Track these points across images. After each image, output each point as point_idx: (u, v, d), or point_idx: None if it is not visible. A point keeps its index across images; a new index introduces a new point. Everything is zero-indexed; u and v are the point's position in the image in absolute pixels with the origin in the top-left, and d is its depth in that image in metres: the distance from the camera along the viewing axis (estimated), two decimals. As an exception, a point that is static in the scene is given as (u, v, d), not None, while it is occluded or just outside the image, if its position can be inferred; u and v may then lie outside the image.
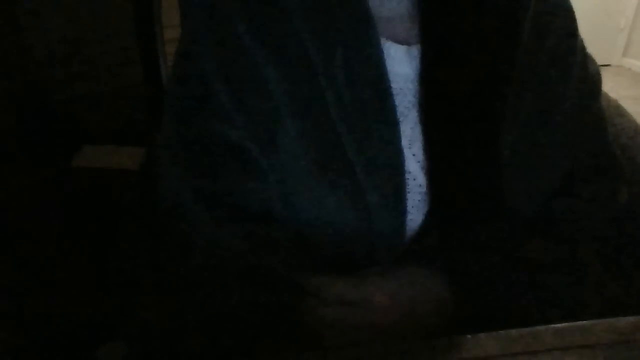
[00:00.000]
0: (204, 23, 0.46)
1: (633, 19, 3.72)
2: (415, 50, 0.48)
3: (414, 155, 0.48)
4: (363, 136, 0.45)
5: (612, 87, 3.42)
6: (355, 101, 0.45)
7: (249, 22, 0.45)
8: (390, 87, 0.46)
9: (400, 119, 0.47)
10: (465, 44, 0.45)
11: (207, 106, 0.46)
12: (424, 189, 0.48)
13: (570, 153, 0.52)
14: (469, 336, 0.36)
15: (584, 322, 0.38)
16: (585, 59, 0.53)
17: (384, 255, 0.47)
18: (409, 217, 0.47)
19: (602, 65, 0.57)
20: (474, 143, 0.46)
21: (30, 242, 1.30)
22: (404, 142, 0.47)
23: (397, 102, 0.47)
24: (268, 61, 0.45)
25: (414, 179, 0.48)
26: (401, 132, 0.46)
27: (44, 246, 1.29)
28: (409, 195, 0.47)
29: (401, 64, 0.47)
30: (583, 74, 0.52)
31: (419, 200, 0.48)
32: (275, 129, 0.45)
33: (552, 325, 0.37)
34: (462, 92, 0.46)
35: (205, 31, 0.46)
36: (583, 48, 0.54)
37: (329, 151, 0.45)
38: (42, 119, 1.44)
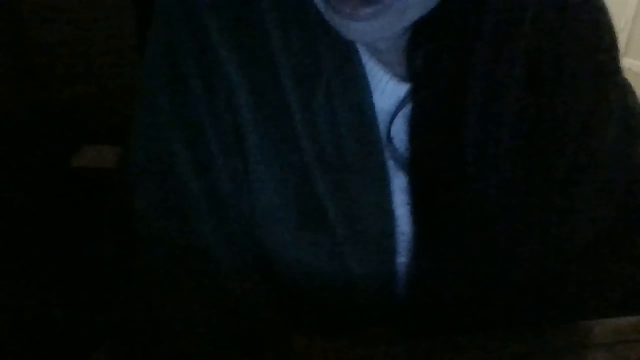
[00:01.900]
0: (183, 35, 0.39)
1: (633, 19, 3.71)
2: (404, 86, 0.40)
3: (410, 214, 0.40)
4: (345, 192, 0.39)
5: (612, 87, 3.39)
6: (337, 151, 0.38)
7: (233, 53, 0.38)
8: (379, 138, 0.38)
9: (395, 171, 0.40)
10: (454, 86, 0.37)
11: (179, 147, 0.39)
12: (416, 255, 0.40)
13: (604, 208, 0.43)
14: (468, 336, 0.36)
15: (584, 322, 0.38)
16: (626, 93, 0.44)
17: (371, 312, 0.43)
18: (399, 283, 0.41)
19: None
20: (471, 205, 0.38)
21: (31, 242, 1.30)
22: (399, 199, 0.40)
23: (391, 149, 0.39)
24: (244, 92, 0.38)
25: (408, 242, 0.41)
26: (397, 187, 0.39)
27: (44, 246, 1.29)
28: (399, 260, 0.40)
29: (391, 99, 0.40)
30: (624, 114, 0.43)
31: (408, 263, 0.41)
32: (248, 172, 0.39)
33: (552, 325, 0.37)
34: (452, 146, 0.38)
35: (185, 44, 0.39)
36: (623, 80, 0.44)
37: (307, 205, 0.39)
38: (42, 119, 1.44)
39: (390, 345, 0.36)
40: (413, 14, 0.34)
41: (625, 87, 0.44)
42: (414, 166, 0.39)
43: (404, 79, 0.39)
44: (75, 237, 1.30)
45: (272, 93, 0.38)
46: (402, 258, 0.41)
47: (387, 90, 0.39)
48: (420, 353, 0.35)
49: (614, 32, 0.42)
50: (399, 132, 0.39)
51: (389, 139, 0.39)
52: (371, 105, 0.38)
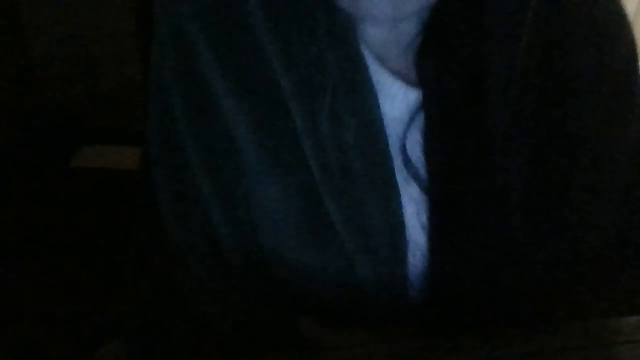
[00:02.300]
0: (172, 68, 0.39)
1: (633, 19, 3.72)
2: (416, 93, 0.39)
3: (422, 225, 0.39)
4: (353, 206, 0.38)
5: (612, 87, 3.37)
6: (343, 163, 0.37)
7: (222, 68, 0.37)
8: (387, 147, 0.37)
9: (406, 182, 0.39)
10: (467, 95, 0.37)
11: (183, 162, 0.40)
12: (430, 266, 0.40)
13: (623, 213, 0.42)
14: (469, 336, 0.36)
15: (585, 322, 0.38)
16: None
17: (380, 317, 0.42)
18: (411, 290, 0.41)
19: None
20: (488, 215, 0.37)
21: (31, 242, 1.30)
22: (411, 210, 0.39)
23: (404, 159, 0.38)
24: (239, 115, 0.37)
25: (421, 253, 0.40)
26: (408, 197, 0.39)
27: (44, 246, 1.29)
28: (411, 270, 0.40)
29: (402, 107, 0.39)
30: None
31: (421, 273, 0.40)
32: (248, 191, 0.38)
33: (552, 325, 0.37)
34: (471, 153, 0.37)
35: (173, 77, 0.39)
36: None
37: (313, 220, 0.38)
38: (42, 119, 1.44)
39: (391, 344, 0.36)
40: None
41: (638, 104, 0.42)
42: (430, 176, 0.38)
43: (413, 85, 0.39)
44: (76, 237, 1.30)
45: (271, 109, 0.37)
46: (415, 269, 0.40)
47: (398, 98, 0.39)
48: (420, 353, 0.35)
49: (630, 36, 0.41)
50: (411, 140, 0.39)
51: (403, 148, 0.39)
52: (379, 114, 0.37)
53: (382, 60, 0.39)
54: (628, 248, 0.44)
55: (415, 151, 0.39)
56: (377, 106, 0.37)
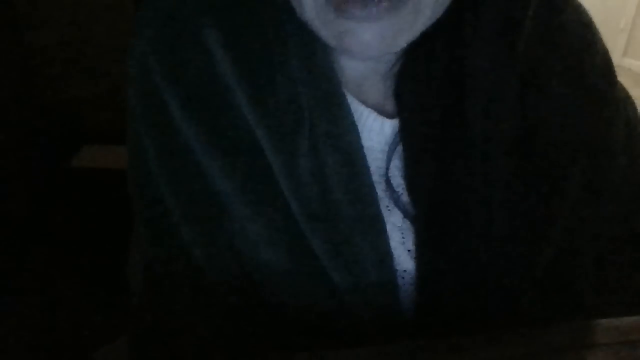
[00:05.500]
0: (145, 122, 0.38)
1: (633, 19, 3.71)
2: (392, 124, 0.39)
3: (409, 251, 0.39)
4: (339, 242, 0.37)
5: (612, 87, 3.37)
6: (326, 200, 0.37)
7: (193, 120, 0.37)
8: (371, 180, 0.37)
9: (389, 209, 0.39)
10: (444, 128, 0.37)
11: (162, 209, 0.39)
12: (419, 287, 0.40)
13: (613, 228, 0.42)
14: (469, 336, 0.36)
15: (584, 322, 0.38)
16: (625, 108, 0.42)
17: (373, 337, 0.41)
18: (400, 310, 0.41)
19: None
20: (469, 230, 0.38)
21: (31, 242, 1.30)
22: (396, 237, 0.39)
23: (387, 188, 0.38)
24: (215, 163, 0.37)
25: (410, 277, 0.40)
26: (392, 225, 0.38)
27: (44, 246, 1.30)
28: (401, 295, 0.40)
29: (380, 138, 0.39)
30: (627, 134, 0.41)
31: (410, 295, 0.40)
32: (230, 233, 0.38)
33: (552, 325, 0.37)
34: (452, 179, 0.37)
35: (146, 130, 0.38)
36: (624, 97, 0.43)
37: (300, 258, 0.38)
38: (42, 119, 1.44)
39: (391, 344, 0.36)
40: (424, 19, 0.32)
41: (624, 106, 0.43)
42: (413, 202, 0.38)
43: (389, 116, 0.39)
44: (76, 237, 1.30)
45: (247, 155, 0.37)
46: (404, 292, 0.40)
47: (374, 130, 0.39)
48: (420, 353, 0.35)
49: (604, 49, 0.41)
50: (391, 167, 0.39)
51: (384, 177, 0.39)
52: (361, 147, 0.37)
53: (358, 94, 0.39)
54: (628, 248, 0.44)
55: (396, 177, 0.39)
56: (358, 140, 0.37)
